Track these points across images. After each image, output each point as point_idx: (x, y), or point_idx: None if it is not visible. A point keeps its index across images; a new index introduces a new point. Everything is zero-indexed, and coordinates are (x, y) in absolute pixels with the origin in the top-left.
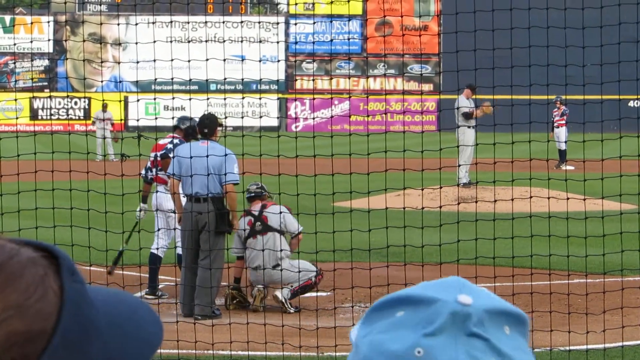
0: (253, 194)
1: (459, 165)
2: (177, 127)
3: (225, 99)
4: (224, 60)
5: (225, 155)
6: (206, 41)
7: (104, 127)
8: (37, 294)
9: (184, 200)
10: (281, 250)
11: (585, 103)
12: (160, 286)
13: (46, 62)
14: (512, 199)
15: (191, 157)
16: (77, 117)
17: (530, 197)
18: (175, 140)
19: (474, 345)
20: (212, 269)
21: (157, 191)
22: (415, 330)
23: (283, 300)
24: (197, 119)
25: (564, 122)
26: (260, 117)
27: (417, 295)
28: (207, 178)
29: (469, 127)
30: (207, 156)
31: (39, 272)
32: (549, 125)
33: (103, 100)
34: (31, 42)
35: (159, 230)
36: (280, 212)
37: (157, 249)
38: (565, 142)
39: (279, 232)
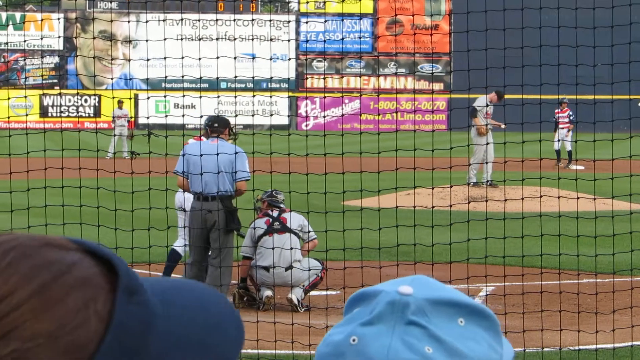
0: (274, 202)
1: (470, 165)
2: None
3: (235, 97)
4: (235, 58)
5: (236, 153)
6: (217, 39)
7: (121, 124)
8: (75, 321)
9: (191, 198)
10: (292, 249)
11: (596, 103)
12: None
13: (56, 60)
14: (522, 199)
15: (201, 155)
16: (86, 115)
17: (541, 196)
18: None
19: (411, 333)
20: (221, 267)
21: (180, 190)
22: (358, 321)
23: (297, 303)
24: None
25: (565, 122)
26: (271, 115)
27: (369, 291)
28: (216, 176)
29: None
30: (217, 154)
31: (86, 295)
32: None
33: (116, 97)
34: (41, 39)
35: (183, 227)
36: (289, 209)
37: (180, 246)
38: (569, 141)
39: (296, 234)
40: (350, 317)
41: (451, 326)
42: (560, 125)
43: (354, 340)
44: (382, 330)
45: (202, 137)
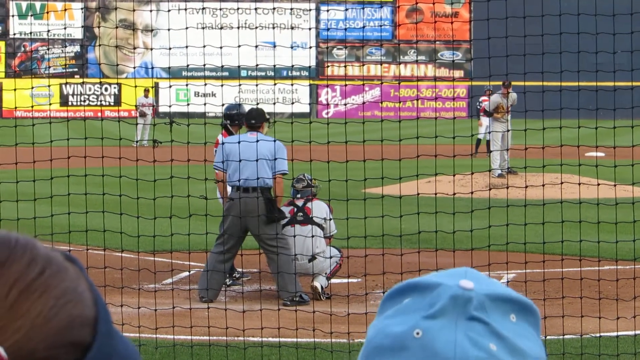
0: (299, 195)
1: (490, 152)
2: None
3: (257, 85)
4: (256, 46)
5: (276, 145)
6: (238, 27)
7: (145, 113)
8: (81, 284)
9: (229, 190)
10: (313, 236)
11: (616, 90)
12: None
13: (77, 48)
14: (543, 185)
15: (239, 142)
16: (107, 104)
17: (561, 183)
18: None
19: (474, 329)
20: (278, 254)
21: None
22: (418, 313)
23: (320, 291)
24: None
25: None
26: (292, 103)
27: (423, 282)
28: (255, 167)
29: (499, 121)
30: (257, 141)
31: (75, 267)
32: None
33: (138, 86)
34: (65, 28)
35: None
36: (314, 198)
37: None
38: (489, 132)
39: (319, 226)
40: (403, 308)
41: (505, 322)
42: (482, 114)
43: (417, 334)
44: (445, 325)
45: (224, 132)
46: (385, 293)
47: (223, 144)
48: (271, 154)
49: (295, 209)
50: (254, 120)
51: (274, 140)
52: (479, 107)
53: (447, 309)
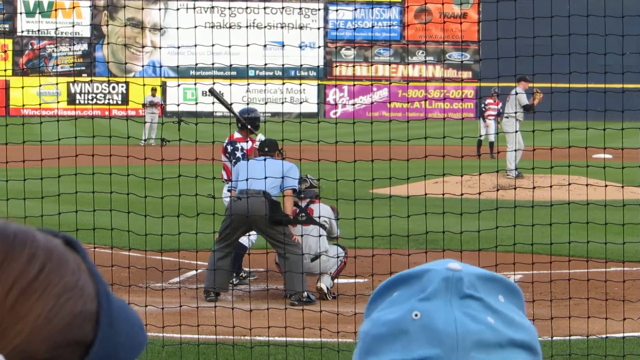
0: (302, 195)
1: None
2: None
3: (265, 84)
4: (264, 46)
5: (287, 165)
6: (246, 27)
7: (152, 112)
8: (82, 276)
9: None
10: (320, 236)
11: (624, 91)
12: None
13: (84, 47)
14: (551, 187)
15: (248, 156)
16: (114, 102)
17: (569, 184)
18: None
19: (470, 305)
20: (287, 254)
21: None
22: (411, 299)
23: (326, 291)
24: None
25: (494, 115)
26: (300, 103)
27: (409, 273)
28: (264, 173)
29: (515, 118)
30: (265, 159)
31: (76, 256)
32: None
33: (147, 85)
34: (73, 26)
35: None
36: (319, 200)
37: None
38: (496, 134)
39: (322, 226)
40: (394, 300)
41: (496, 300)
42: (491, 117)
43: (416, 315)
44: (441, 305)
45: (235, 134)
46: (371, 295)
47: (234, 165)
48: (279, 172)
49: (298, 210)
50: (267, 148)
51: (286, 166)
52: (483, 109)
53: (440, 290)
